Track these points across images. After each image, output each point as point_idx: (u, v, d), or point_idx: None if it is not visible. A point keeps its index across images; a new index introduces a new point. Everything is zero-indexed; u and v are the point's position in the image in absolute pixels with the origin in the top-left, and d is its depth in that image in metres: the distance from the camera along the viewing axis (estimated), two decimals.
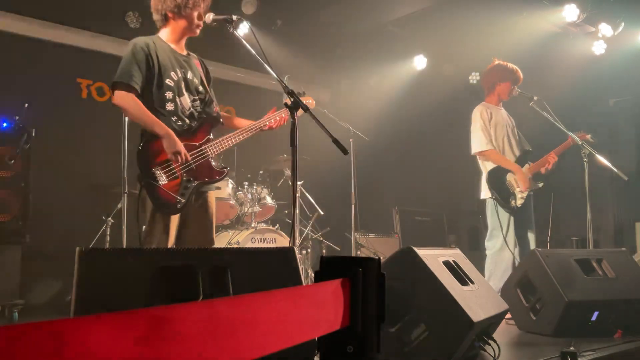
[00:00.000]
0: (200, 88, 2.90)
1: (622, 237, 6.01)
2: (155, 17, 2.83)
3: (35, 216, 4.33)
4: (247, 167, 5.33)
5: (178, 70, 2.80)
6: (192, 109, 2.83)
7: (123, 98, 2.64)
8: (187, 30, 2.84)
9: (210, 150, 2.78)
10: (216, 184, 4.70)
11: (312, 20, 6.04)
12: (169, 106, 2.74)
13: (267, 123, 2.97)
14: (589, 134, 4.21)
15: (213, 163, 2.81)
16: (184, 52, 2.91)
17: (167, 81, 2.74)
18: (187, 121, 2.79)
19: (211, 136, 2.83)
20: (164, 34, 2.86)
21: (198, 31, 2.87)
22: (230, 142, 2.85)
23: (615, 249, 3.75)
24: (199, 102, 2.87)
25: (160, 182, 2.60)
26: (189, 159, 2.68)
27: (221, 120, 2.94)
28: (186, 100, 2.80)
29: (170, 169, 2.64)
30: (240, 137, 2.88)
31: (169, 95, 2.74)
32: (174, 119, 2.74)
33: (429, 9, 5.70)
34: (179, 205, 2.64)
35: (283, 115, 3.00)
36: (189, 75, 2.85)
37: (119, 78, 2.66)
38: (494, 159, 4.24)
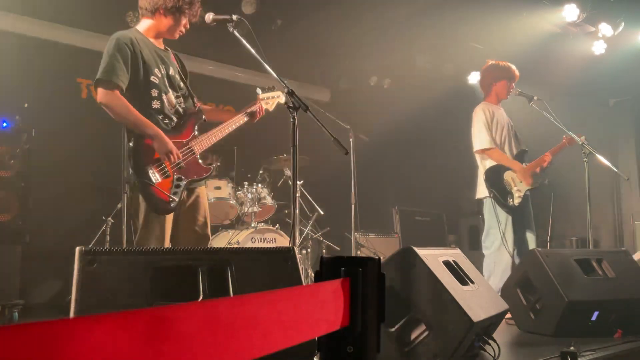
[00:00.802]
0: (181, 84, 2.87)
1: (622, 237, 6.01)
2: (144, 4, 2.74)
3: (35, 216, 4.34)
4: (247, 167, 5.33)
5: (161, 67, 2.75)
6: (176, 105, 2.78)
7: (108, 96, 2.54)
8: (170, 32, 2.79)
9: (196, 147, 2.76)
10: (216, 184, 4.76)
11: (312, 20, 6.04)
12: (155, 104, 2.68)
13: (247, 118, 2.99)
14: (582, 135, 4.20)
15: (200, 160, 2.79)
16: (162, 47, 2.86)
17: (152, 78, 2.68)
18: (174, 119, 2.75)
19: (196, 132, 2.81)
20: (144, 26, 2.78)
21: (177, 36, 2.83)
22: (215, 138, 2.84)
23: (615, 249, 3.75)
24: (181, 98, 2.83)
25: (153, 182, 2.57)
26: (181, 157, 2.66)
27: (203, 115, 2.92)
28: (171, 97, 2.76)
29: (163, 167, 2.62)
30: (224, 132, 2.88)
31: (154, 93, 2.68)
32: (160, 117, 2.69)
33: (429, 8, 5.69)
34: (172, 204, 2.61)
35: (258, 105, 3.04)
36: (171, 71, 2.81)
37: (103, 75, 2.56)
38: (496, 158, 4.25)
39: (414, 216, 6.50)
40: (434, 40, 6.34)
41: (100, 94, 2.56)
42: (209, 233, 2.88)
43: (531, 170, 4.24)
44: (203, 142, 2.79)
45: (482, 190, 4.29)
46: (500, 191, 4.17)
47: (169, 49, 2.91)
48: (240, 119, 2.97)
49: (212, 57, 6.27)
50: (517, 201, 4.13)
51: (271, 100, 3.12)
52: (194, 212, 2.81)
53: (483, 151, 4.28)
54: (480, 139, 4.29)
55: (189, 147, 2.73)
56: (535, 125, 4.57)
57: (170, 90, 2.77)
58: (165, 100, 2.73)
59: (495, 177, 4.22)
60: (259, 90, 3.12)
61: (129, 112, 2.56)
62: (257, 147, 5.48)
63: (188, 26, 2.82)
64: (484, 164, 4.30)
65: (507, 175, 4.21)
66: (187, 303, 0.63)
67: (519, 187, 4.16)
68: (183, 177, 2.68)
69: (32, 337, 0.47)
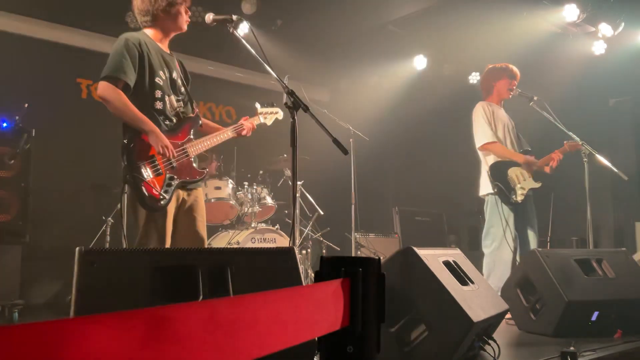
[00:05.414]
0: (182, 89, 2.91)
1: (622, 237, 6.01)
2: (143, 18, 2.80)
3: (35, 216, 4.33)
4: (247, 167, 5.33)
5: (165, 70, 2.80)
6: (177, 109, 2.83)
7: (108, 90, 2.57)
8: (177, 26, 2.84)
9: (191, 149, 2.79)
10: (216, 184, 4.77)
11: (312, 20, 6.04)
12: (158, 105, 2.73)
13: (237, 131, 3.03)
14: (581, 142, 4.18)
15: (193, 163, 2.82)
16: (168, 52, 2.91)
17: (157, 80, 2.73)
18: (174, 120, 2.80)
19: (192, 136, 2.84)
20: (150, 32, 2.84)
21: (186, 26, 2.87)
22: (209, 144, 2.88)
23: (615, 249, 3.75)
24: (182, 102, 2.88)
25: (145, 177, 2.58)
26: (175, 155, 2.68)
27: (200, 122, 2.96)
28: (172, 100, 2.81)
29: (155, 164, 2.64)
30: (219, 139, 2.92)
31: (157, 94, 2.73)
32: (161, 117, 2.74)
33: (429, 8, 5.70)
34: (162, 202, 2.62)
35: (249, 123, 3.08)
36: (174, 75, 2.86)
37: (110, 72, 2.59)
38: (499, 152, 4.24)
39: (414, 216, 6.50)
40: (434, 40, 6.34)
41: (101, 88, 2.58)
42: (205, 234, 2.90)
43: (537, 169, 4.21)
44: (197, 146, 2.83)
45: (484, 187, 4.28)
46: (504, 186, 4.16)
47: (173, 54, 2.95)
48: (229, 133, 3.01)
49: (212, 58, 6.28)
50: (519, 198, 4.11)
51: (269, 115, 3.21)
52: (194, 212, 2.83)
53: (486, 146, 4.27)
54: (482, 134, 4.28)
55: (184, 149, 2.77)
56: (535, 125, 4.57)
57: (172, 93, 2.82)
58: (167, 102, 2.77)
59: (499, 172, 4.21)
60: (257, 105, 3.17)
61: (127, 108, 2.59)
62: (257, 148, 5.48)
63: (189, 12, 2.85)
64: (487, 160, 4.30)
65: (512, 172, 4.19)
66: (187, 303, 0.63)
67: (522, 184, 4.14)
68: (175, 177, 2.70)
69: (32, 337, 0.47)
